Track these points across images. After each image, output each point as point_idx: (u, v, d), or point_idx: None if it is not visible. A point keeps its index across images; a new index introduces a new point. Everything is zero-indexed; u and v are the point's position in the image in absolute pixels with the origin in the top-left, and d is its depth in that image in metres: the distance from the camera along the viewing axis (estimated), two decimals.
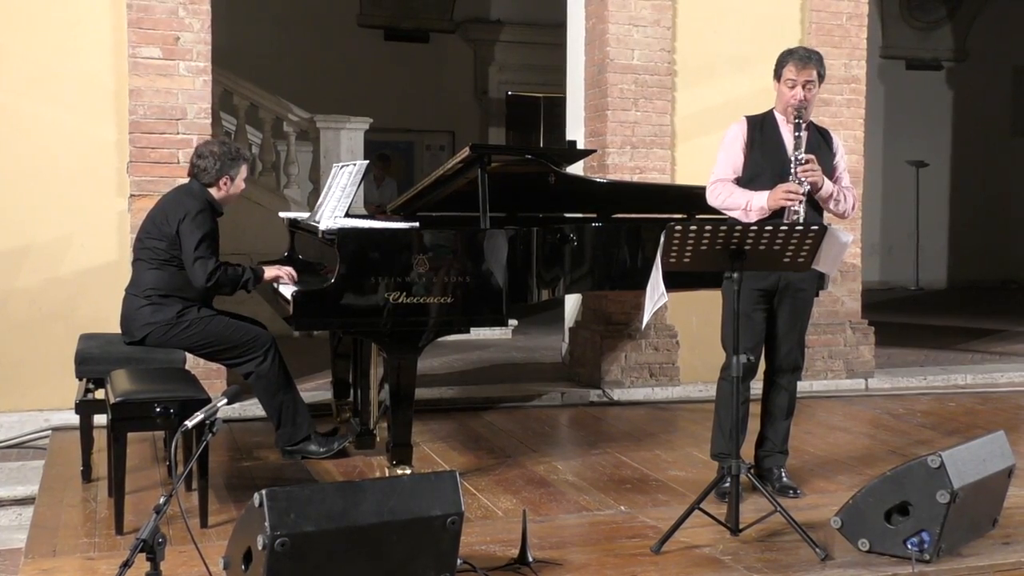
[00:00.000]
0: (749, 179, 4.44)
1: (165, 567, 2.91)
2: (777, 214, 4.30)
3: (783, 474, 4.58)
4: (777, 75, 4.47)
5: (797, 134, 4.30)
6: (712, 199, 4.49)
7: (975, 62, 15.45)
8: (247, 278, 4.79)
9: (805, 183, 4.24)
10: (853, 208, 4.54)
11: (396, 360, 4.53)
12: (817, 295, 5.95)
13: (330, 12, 13.58)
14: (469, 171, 4.88)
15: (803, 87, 4.36)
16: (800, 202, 4.22)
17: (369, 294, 4.41)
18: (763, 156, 4.43)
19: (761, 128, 4.48)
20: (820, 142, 4.49)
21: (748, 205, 4.35)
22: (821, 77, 4.43)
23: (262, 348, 4.76)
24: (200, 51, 5.89)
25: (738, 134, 4.49)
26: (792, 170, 4.27)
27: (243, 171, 4.91)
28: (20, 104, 5.75)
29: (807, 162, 4.26)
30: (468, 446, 5.47)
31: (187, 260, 4.65)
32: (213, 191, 4.85)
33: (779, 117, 4.49)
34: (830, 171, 4.46)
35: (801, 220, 4.18)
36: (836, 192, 4.43)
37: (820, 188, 4.32)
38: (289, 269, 4.92)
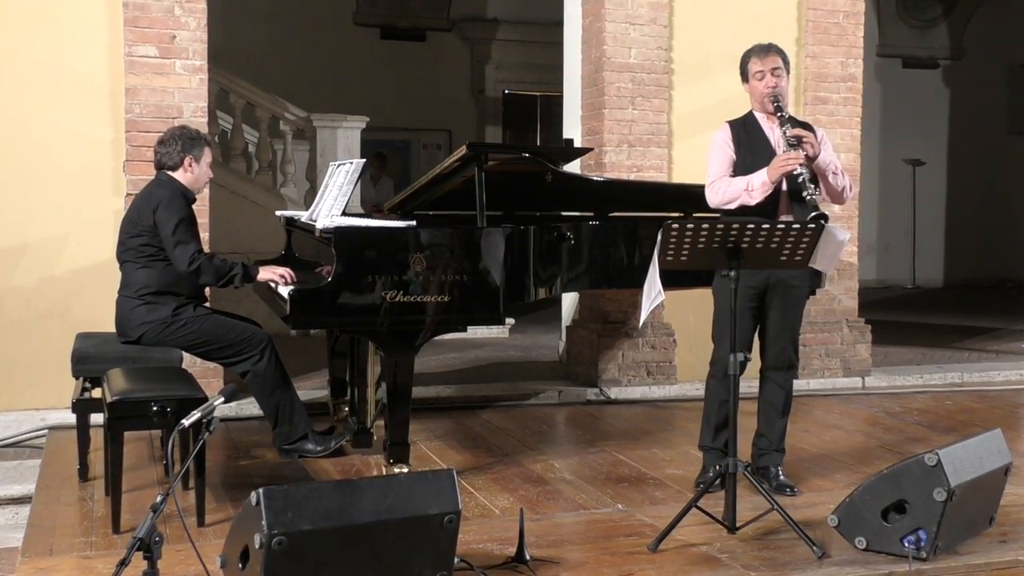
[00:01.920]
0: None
1: (162, 566, 2.91)
2: (768, 210, 4.30)
3: (780, 472, 4.59)
4: (744, 75, 4.53)
5: (780, 114, 4.35)
6: (713, 198, 4.49)
7: (971, 60, 15.47)
8: (235, 273, 4.70)
9: (800, 149, 4.25)
10: (851, 188, 4.57)
11: (393, 359, 4.53)
12: (814, 293, 5.97)
13: (326, 11, 13.58)
14: (466, 169, 4.88)
15: (772, 74, 4.42)
16: (802, 164, 4.22)
17: (366, 293, 4.41)
18: (751, 155, 4.45)
19: (744, 129, 4.53)
20: None
21: (750, 185, 4.35)
22: (786, 64, 4.49)
23: (258, 347, 4.75)
24: (196, 50, 5.89)
25: (725, 138, 4.54)
26: (786, 144, 4.29)
27: (207, 154, 4.85)
28: (16, 103, 5.74)
29: (797, 130, 4.31)
30: (465, 445, 5.47)
31: (168, 247, 4.62)
32: (180, 175, 4.79)
33: (759, 116, 4.53)
34: None
35: (808, 179, 4.19)
36: (834, 164, 4.46)
37: (818, 155, 4.34)
38: (286, 270, 4.83)
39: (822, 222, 3.92)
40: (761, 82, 4.44)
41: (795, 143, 4.27)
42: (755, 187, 4.33)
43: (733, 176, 4.46)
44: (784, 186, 4.35)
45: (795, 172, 4.23)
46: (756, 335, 4.59)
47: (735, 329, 4.03)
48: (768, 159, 4.37)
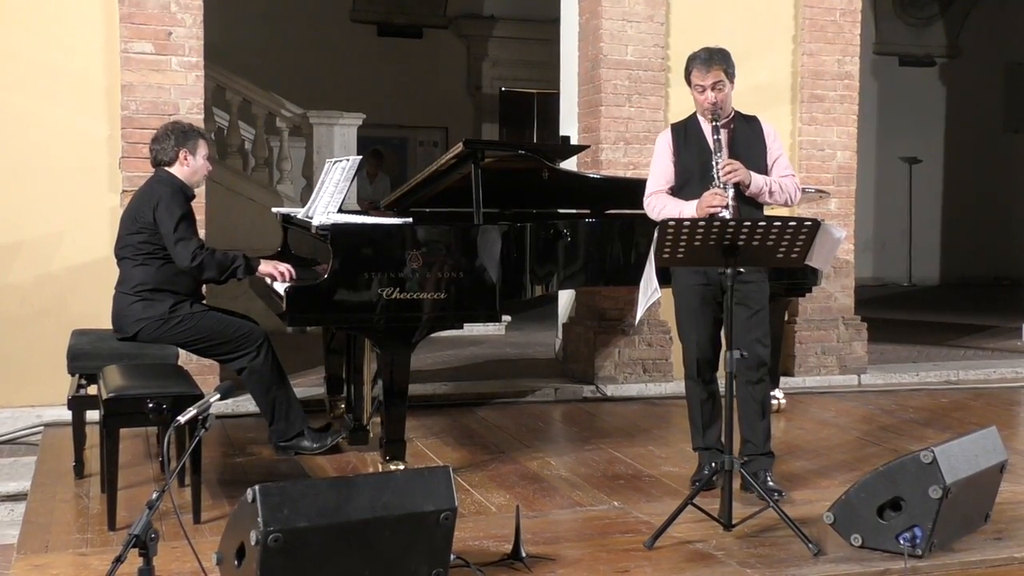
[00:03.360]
0: (681, 185, 4.43)
1: (158, 562, 2.91)
2: None
3: (768, 477, 4.45)
4: (687, 81, 4.44)
5: (716, 137, 4.27)
6: (649, 212, 4.49)
7: (968, 58, 15.49)
8: (237, 265, 4.71)
9: (729, 187, 4.20)
10: (795, 195, 4.49)
11: (389, 356, 4.52)
12: (810, 290, 5.99)
13: (323, 7, 13.57)
14: (463, 167, 4.88)
15: (712, 89, 4.32)
16: (725, 207, 4.16)
17: (362, 290, 4.41)
18: (690, 159, 4.42)
19: (685, 133, 4.48)
20: (749, 135, 4.46)
21: (680, 215, 4.30)
22: (729, 74, 4.37)
23: (255, 343, 4.75)
24: (192, 46, 5.88)
25: (664, 144, 4.51)
26: (715, 175, 4.23)
27: (202, 146, 4.85)
28: (11, 99, 5.73)
29: (726, 166, 4.22)
30: (461, 442, 5.47)
31: (169, 243, 4.63)
32: (176, 170, 4.79)
33: (701, 120, 4.46)
34: (761, 163, 4.43)
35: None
36: (770, 184, 4.38)
37: (748, 185, 4.29)
38: (287, 266, 4.84)
39: (818, 220, 3.92)
40: (701, 95, 4.36)
41: (723, 186, 4.19)
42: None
43: (673, 185, 4.44)
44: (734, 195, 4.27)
45: (719, 216, 4.13)
46: (723, 334, 4.52)
47: (732, 327, 4.02)
48: (706, 162, 4.31)
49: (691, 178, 4.39)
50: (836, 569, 3.57)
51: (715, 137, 4.27)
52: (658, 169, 4.52)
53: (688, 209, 4.30)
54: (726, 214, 4.14)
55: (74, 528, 4.02)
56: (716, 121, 4.29)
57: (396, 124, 13.78)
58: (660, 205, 4.44)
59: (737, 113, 4.49)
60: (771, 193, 4.41)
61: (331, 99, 10.97)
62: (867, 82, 10.22)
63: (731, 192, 4.20)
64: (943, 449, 3.60)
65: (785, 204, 4.53)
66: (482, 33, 14.62)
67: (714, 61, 4.35)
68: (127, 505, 4.11)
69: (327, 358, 5.92)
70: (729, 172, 4.21)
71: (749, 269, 4.30)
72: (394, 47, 14.10)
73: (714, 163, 4.25)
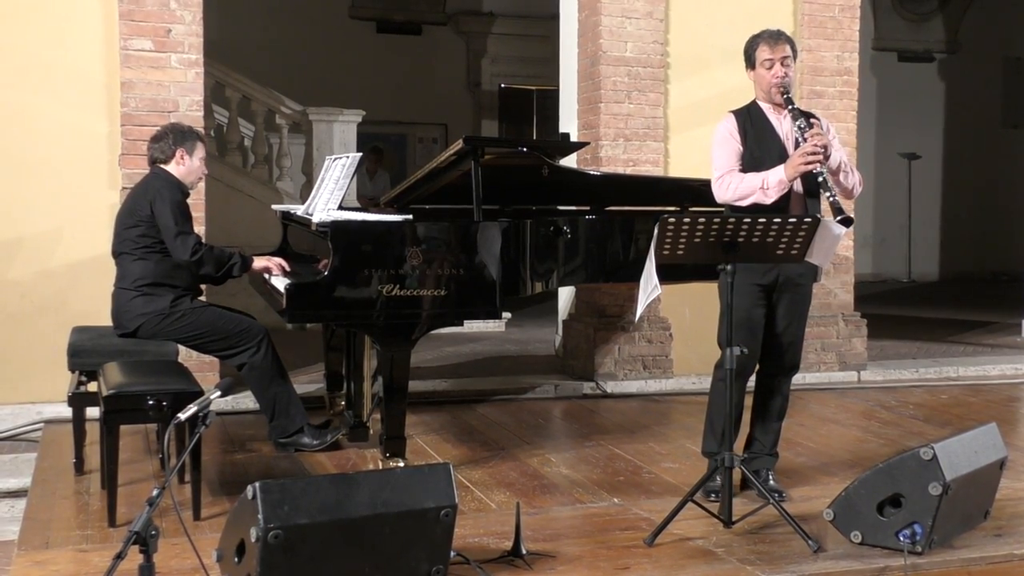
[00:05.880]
0: (747, 172, 4.31)
1: (158, 559, 2.90)
2: (781, 208, 4.19)
3: (770, 476, 4.43)
4: (750, 62, 4.36)
5: (792, 107, 4.21)
6: (722, 194, 4.30)
7: (967, 54, 15.48)
8: (234, 262, 4.76)
9: (819, 146, 4.09)
10: (860, 183, 4.41)
11: (389, 353, 4.52)
12: None
13: (322, 4, 13.57)
14: (462, 163, 4.87)
15: (781, 64, 4.27)
16: (822, 162, 4.08)
17: (362, 287, 4.41)
18: (759, 146, 4.29)
19: (750, 119, 4.36)
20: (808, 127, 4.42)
21: (765, 183, 4.17)
22: (795, 53, 4.35)
23: (255, 339, 4.76)
24: (192, 43, 5.88)
25: (731, 128, 4.35)
26: (802, 139, 4.14)
27: (199, 148, 4.87)
28: (11, 96, 5.73)
29: (810, 127, 4.14)
30: (461, 439, 5.47)
31: (168, 237, 4.64)
32: (172, 168, 4.81)
33: (764, 106, 4.36)
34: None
35: (829, 182, 4.06)
36: (843, 163, 4.31)
37: (830, 155, 4.19)
38: (280, 261, 4.90)
39: (818, 216, 3.91)
40: (769, 71, 4.27)
41: (819, 149, 4.09)
42: (771, 185, 4.15)
43: (741, 170, 4.29)
44: (798, 185, 4.20)
45: (815, 171, 4.08)
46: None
47: (731, 323, 4.00)
48: (776, 152, 4.25)
49: (759, 166, 4.25)
50: (836, 566, 3.57)
51: (791, 107, 4.20)
52: (727, 151, 4.32)
53: (774, 174, 4.16)
54: (824, 170, 4.08)
55: (74, 524, 4.02)
56: (787, 94, 4.22)
57: (395, 121, 13.79)
58: (736, 181, 4.25)
59: (798, 107, 4.36)
60: (845, 174, 4.31)
61: (330, 96, 10.97)
62: (866, 78, 10.20)
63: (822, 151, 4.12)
64: (943, 446, 3.60)
65: (851, 193, 4.40)
66: (481, 30, 14.62)
67: (783, 36, 4.33)
68: (127, 502, 4.11)
69: (327, 355, 5.92)
70: (816, 134, 4.12)
71: (802, 271, 4.25)
72: (393, 44, 14.10)
73: (796, 127, 4.16)
